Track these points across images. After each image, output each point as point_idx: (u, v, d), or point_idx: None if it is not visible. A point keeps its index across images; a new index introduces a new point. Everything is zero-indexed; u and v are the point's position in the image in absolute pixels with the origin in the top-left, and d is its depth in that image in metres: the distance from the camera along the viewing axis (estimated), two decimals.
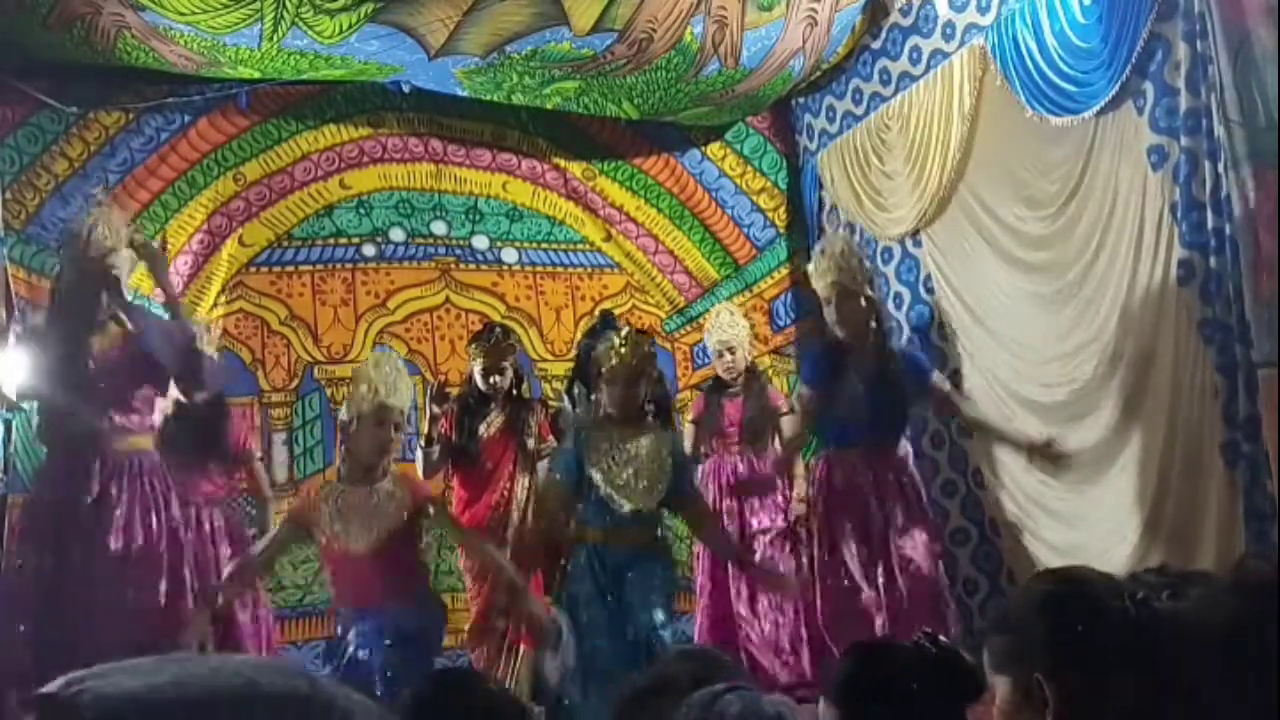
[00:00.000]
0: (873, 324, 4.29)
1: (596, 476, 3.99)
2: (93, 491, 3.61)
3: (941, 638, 1.69)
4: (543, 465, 4.79)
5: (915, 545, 4.28)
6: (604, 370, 4.07)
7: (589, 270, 5.66)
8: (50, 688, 0.64)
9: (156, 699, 0.60)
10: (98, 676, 0.63)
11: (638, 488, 3.99)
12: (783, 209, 6.01)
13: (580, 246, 5.67)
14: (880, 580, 4.26)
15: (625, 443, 4.03)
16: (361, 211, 5.31)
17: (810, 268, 4.48)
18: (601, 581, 3.96)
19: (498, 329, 4.85)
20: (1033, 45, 4.35)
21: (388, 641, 3.63)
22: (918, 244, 5.17)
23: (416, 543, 3.93)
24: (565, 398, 4.91)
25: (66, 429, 3.72)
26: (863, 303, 4.25)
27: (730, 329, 5.12)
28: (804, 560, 4.73)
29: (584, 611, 3.94)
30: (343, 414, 3.91)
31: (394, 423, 3.83)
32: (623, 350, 4.05)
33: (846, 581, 4.30)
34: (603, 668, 3.85)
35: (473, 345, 4.81)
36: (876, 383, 4.21)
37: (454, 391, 4.90)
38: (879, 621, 4.22)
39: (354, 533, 3.71)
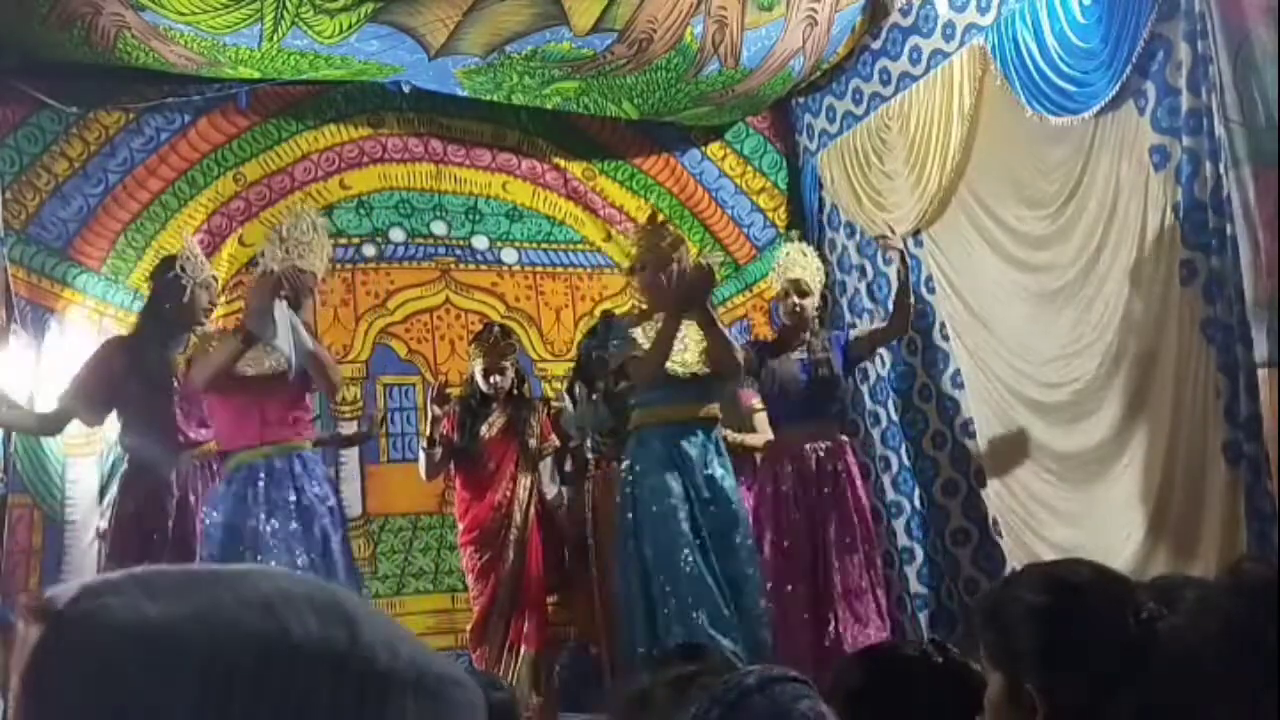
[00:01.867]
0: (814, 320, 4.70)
1: (644, 345, 4.04)
2: (173, 502, 3.77)
3: (950, 646, 1.66)
4: (544, 465, 4.80)
5: (848, 534, 4.48)
6: (635, 262, 4.18)
7: (589, 270, 5.65)
8: (62, 598, 0.55)
9: (174, 632, 0.53)
10: (116, 592, 0.54)
11: (687, 356, 4.03)
12: (783, 209, 6.00)
13: (580, 246, 5.67)
14: (819, 572, 4.42)
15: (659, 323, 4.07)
16: (361, 211, 5.30)
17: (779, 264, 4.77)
18: (669, 464, 3.94)
19: (497, 329, 4.85)
20: (1033, 45, 4.35)
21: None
22: (919, 244, 5.17)
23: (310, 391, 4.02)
24: (566, 397, 4.91)
25: (148, 445, 3.86)
26: (816, 301, 4.67)
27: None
28: None
29: (654, 501, 3.92)
30: (257, 272, 3.91)
31: (307, 287, 3.83)
32: (647, 239, 4.17)
33: (781, 558, 4.42)
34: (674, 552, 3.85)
35: (473, 345, 4.82)
36: (810, 366, 4.54)
37: (455, 392, 4.91)
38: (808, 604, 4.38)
39: (261, 365, 3.76)
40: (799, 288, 4.62)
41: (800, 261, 4.72)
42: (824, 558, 4.41)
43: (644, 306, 4.20)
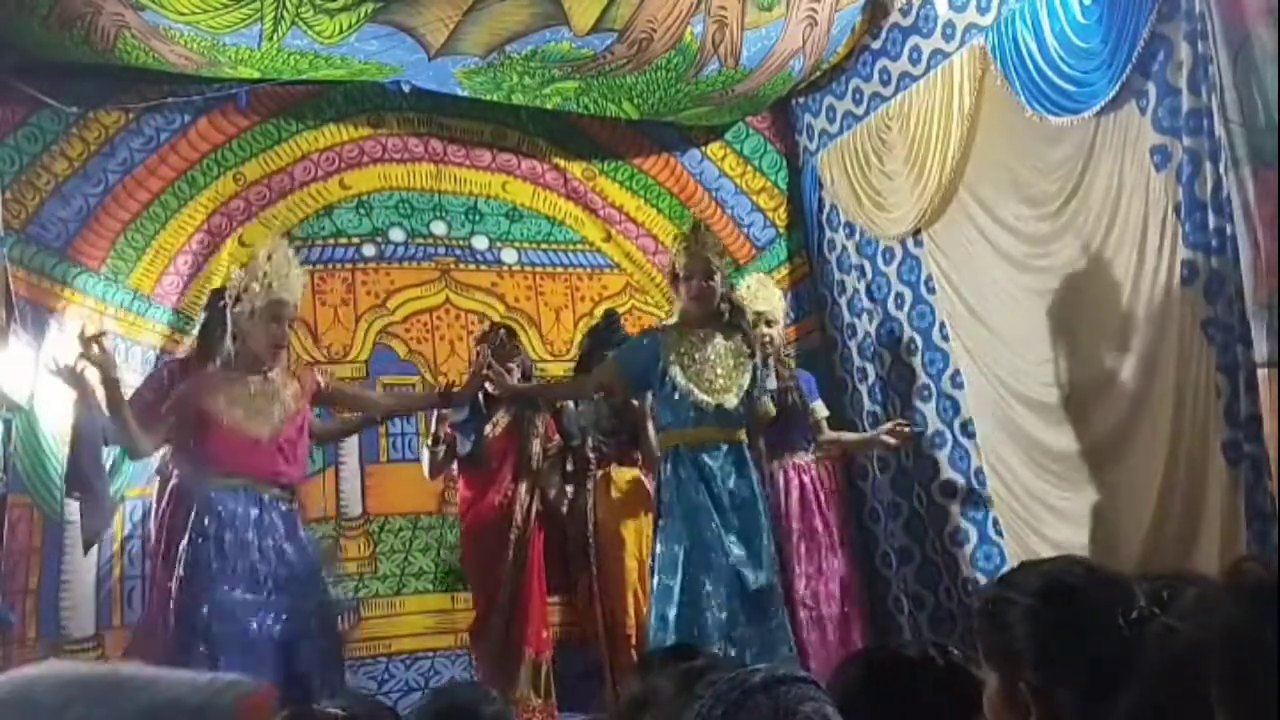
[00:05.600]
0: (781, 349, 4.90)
1: (675, 373, 4.04)
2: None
3: (951, 648, 1.66)
4: (547, 466, 4.80)
5: (812, 549, 4.72)
6: (680, 269, 4.16)
7: (589, 270, 5.65)
8: None
9: None
10: None
11: (718, 384, 4.05)
12: (783, 209, 6.00)
13: (580, 246, 5.67)
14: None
15: (704, 342, 4.10)
16: (361, 211, 5.29)
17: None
18: (693, 481, 3.96)
19: (503, 330, 4.85)
20: (1033, 45, 4.35)
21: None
22: (919, 244, 5.17)
23: (308, 430, 4.04)
24: None
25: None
26: (781, 330, 4.88)
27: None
28: None
29: (681, 523, 3.95)
30: (236, 308, 3.87)
31: (288, 319, 3.90)
32: (692, 246, 4.17)
33: None
34: (706, 568, 3.88)
35: (478, 347, 4.81)
36: (780, 394, 4.59)
37: None
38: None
39: (254, 419, 3.79)
40: (765, 318, 4.79)
41: (763, 294, 4.93)
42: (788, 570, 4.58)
43: (686, 313, 4.18)
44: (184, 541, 3.72)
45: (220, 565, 3.65)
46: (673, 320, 4.32)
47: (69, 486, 3.95)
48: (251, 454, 3.79)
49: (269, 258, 3.90)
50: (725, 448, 4.07)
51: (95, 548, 4.39)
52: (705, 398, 4.01)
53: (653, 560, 4.09)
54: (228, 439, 3.78)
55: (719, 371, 4.08)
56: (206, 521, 3.71)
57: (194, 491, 3.80)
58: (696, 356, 4.08)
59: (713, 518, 3.94)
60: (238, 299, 3.87)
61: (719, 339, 4.13)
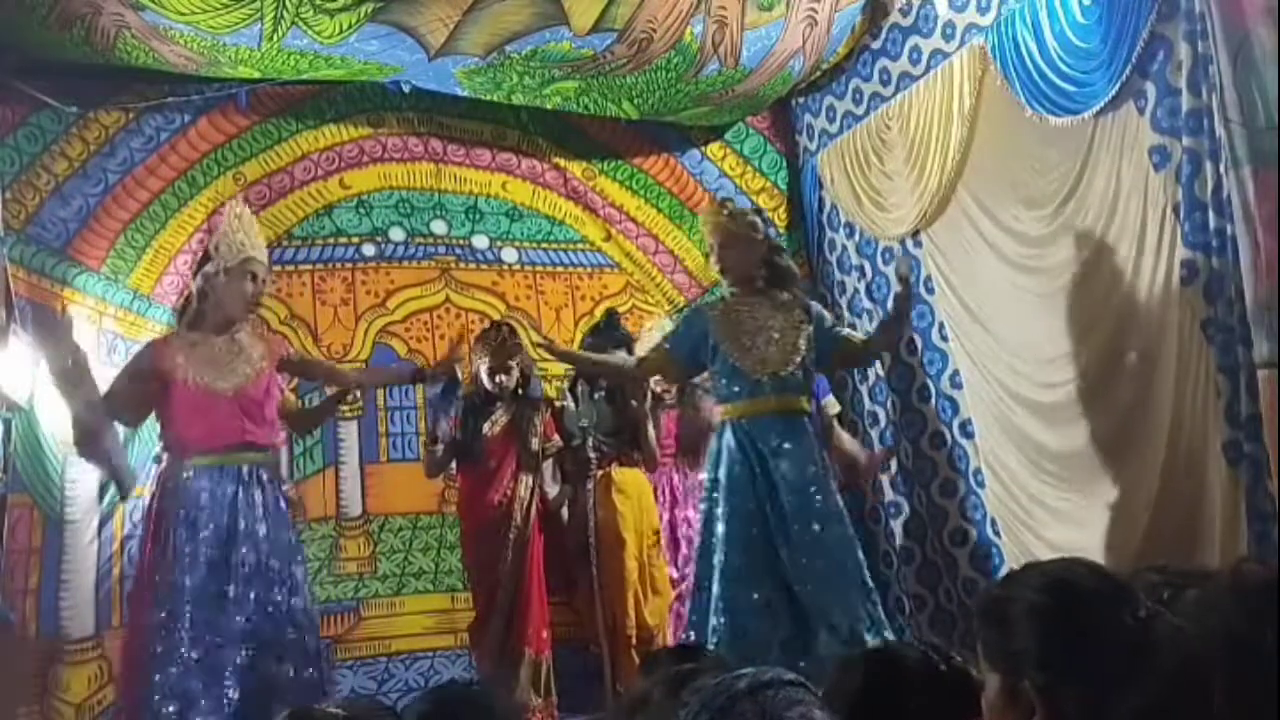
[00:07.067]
0: None
1: (726, 347, 4.01)
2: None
3: (953, 654, 1.65)
4: (547, 465, 4.80)
5: None
6: (713, 243, 4.16)
7: (589, 270, 5.66)
8: None
9: None
10: None
11: (770, 353, 4.00)
12: (783, 209, 6.00)
13: (580, 246, 5.67)
14: None
15: (752, 313, 4.06)
16: (361, 211, 5.30)
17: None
18: (748, 457, 3.89)
19: (504, 328, 4.85)
20: (1032, 45, 4.35)
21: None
22: (918, 244, 5.17)
23: (278, 396, 4.01)
24: (569, 396, 4.91)
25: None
26: None
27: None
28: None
29: (733, 497, 3.88)
30: (207, 268, 3.90)
31: (261, 276, 3.95)
32: (713, 218, 4.16)
33: None
34: (756, 546, 3.81)
35: (478, 344, 4.81)
36: None
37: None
38: None
39: (220, 375, 3.77)
40: None
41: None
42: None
43: (730, 289, 4.14)
44: (160, 528, 3.69)
45: (193, 552, 3.60)
46: (719, 295, 4.30)
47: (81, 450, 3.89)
48: (213, 413, 3.72)
49: (236, 217, 3.93)
50: (782, 422, 3.96)
51: (96, 546, 4.40)
52: (755, 367, 3.97)
53: (700, 546, 4.01)
54: (188, 397, 3.72)
55: (771, 339, 4.01)
56: (180, 507, 3.66)
57: (171, 475, 3.76)
58: (746, 326, 4.03)
59: (759, 494, 3.85)
60: (207, 260, 3.88)
61: (767, 307, 4.07)
